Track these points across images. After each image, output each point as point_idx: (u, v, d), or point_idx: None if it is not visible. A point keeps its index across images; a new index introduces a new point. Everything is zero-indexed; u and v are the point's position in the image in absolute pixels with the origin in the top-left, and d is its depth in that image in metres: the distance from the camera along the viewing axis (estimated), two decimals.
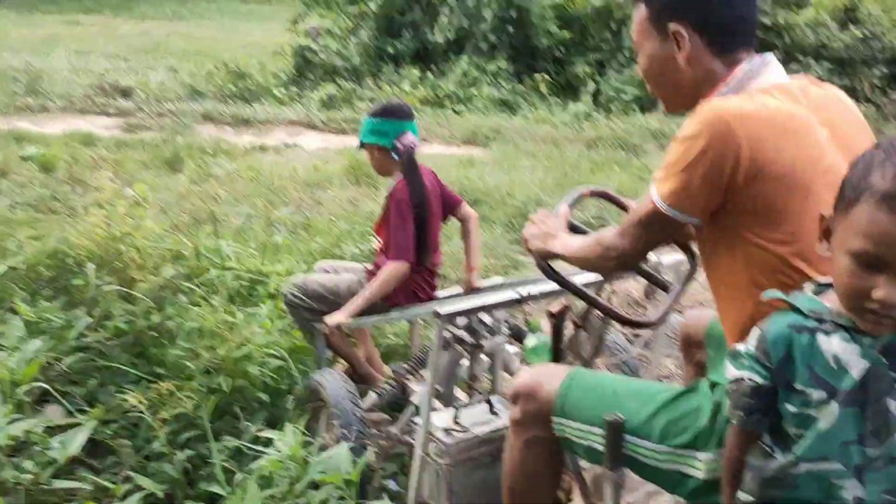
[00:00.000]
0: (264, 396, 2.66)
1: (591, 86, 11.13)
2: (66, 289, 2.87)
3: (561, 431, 1.72)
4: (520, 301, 2.19)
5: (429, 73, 11.02)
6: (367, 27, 11.91)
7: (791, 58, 10.66)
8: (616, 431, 1.59)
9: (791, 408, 1.25)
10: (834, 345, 1.22)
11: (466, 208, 3.13)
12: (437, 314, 2.05)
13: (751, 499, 1.31)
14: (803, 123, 1.49)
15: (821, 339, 1.23)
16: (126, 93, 9.13)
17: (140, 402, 2.28)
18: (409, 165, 2.86)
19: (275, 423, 2.53)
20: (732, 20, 1.62)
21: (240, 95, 9.77)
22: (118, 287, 2.77)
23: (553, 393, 1.72)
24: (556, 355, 2.06)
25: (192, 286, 3.04)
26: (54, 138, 6.90)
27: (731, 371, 1.31)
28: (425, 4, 11.71)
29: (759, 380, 1.27)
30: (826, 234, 1.25)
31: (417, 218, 2.81)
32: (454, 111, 10.02)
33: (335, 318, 2.68)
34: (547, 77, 11.04)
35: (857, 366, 1.21)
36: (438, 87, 10.61)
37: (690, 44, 1.62)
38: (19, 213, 4.86)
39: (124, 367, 2.54)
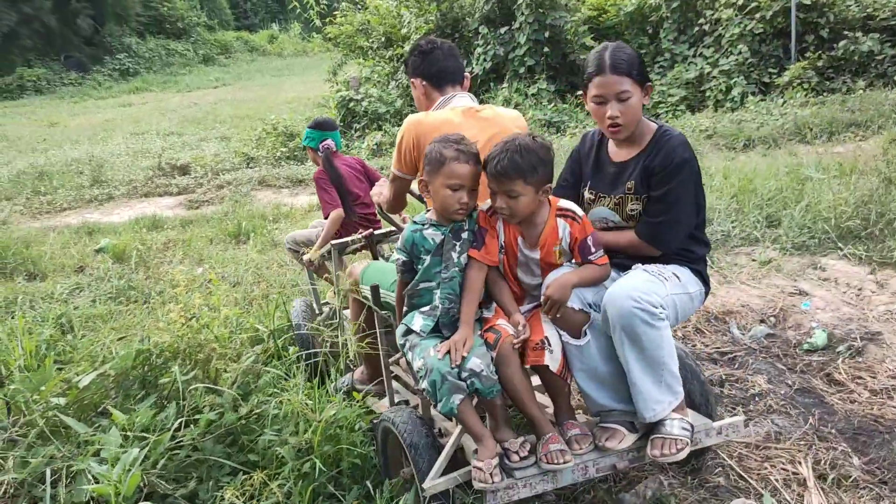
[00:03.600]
0: (357, 465, 2.69)
1: None
2: (155, 386, 2.96)
3: (362, 292, 3.09)
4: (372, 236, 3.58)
5: None
6: (403, 70, 12.06)
7: (839, 35, 10.39)
8: (376, 290, 2.92)
9: (418, 265, 2.55)
10: (429, 232, 2.53)
11: (383, 181, 3.93)
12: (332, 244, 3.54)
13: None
14: (456, 125, 2.71)
15: (425, 231, 2.54)
16: (184, 170, 9.43)
17: (237, 498, 2.33)
18: (326, 159, 4.46)
19: (370, 497, 2.55)
20: (439, 71, 2.96)
21: (291, 155, 9.99)
22: (203, 383, 2.84)
23: (357, 274, 3.17)
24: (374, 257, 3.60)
25: (273, 368, 3.10)
26: (123, 226, 7.16)
27: (395, 256, 2.66)
28: (459, 39, 11.81)
29: (404, 257, 2.58)
30: (426, 186, 2.53)
31: (337, 188, 4.36)
32: None
33: (307, 255, 4.12)
34: None
35: (437, 238, 2.52)
36: None
37: (424, 87, 3.00)
38: (100, 307, 5.05)
39: (219, 461, 2.60)
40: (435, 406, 2.37)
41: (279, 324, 3.73)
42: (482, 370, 2.34)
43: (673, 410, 2.41)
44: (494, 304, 2.56)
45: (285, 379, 3.05)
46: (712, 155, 8.35)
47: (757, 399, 3.48)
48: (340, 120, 11.18)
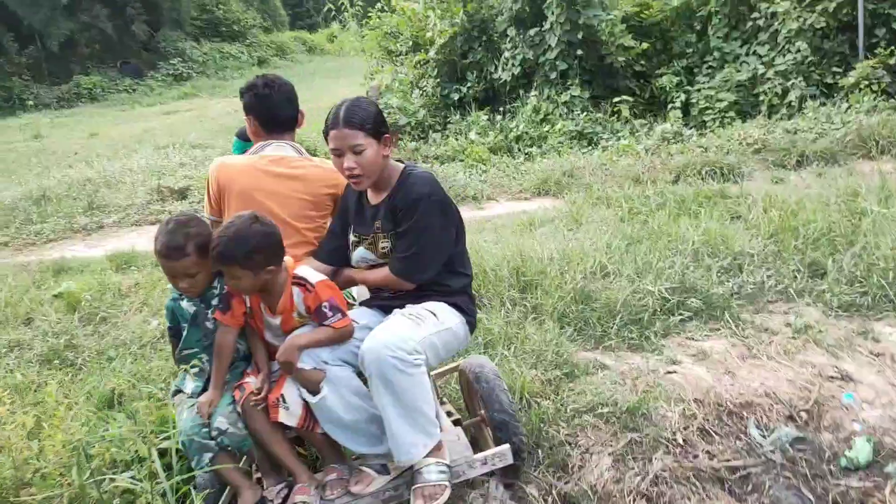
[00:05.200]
0: None
1: (681, 98, 9.95)
2: None
3: None
4: None
5: (497, 117, 10.20)
6: (429, 76, 11.25)
7: None
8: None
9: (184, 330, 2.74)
10: (184, 304, 2.71)
11: None
12: None
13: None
14: (254, 175, 2.90)
15: (181, 303, 2.71)
16: (182, 193, 8.84)
17: None
18: None
19: None
20: (270, 116, 3.05)
21: None
22: None
23: None
24: None
25: None
26: (94, 264, 6.59)
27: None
28: (486, 42, 10.93)
29: (169, 324, 2.80)
30: None
31: None
32: (527, 155, 9.14)
33: None
34: (628, 98, 9.96)
35: (192, 309, 2.70)
36: (509, 129, 9.76)
37: (254, 125, 3.08)
38: (22, 375, 4.42)
39: None
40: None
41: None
42: (227, 427, 2.58)
43: (429, 453, 2.57)
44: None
45: None
46: (758, 175, 7.29)
47: None
48: None
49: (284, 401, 2.61)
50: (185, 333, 2.74)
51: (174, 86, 29.05)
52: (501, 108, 10.41)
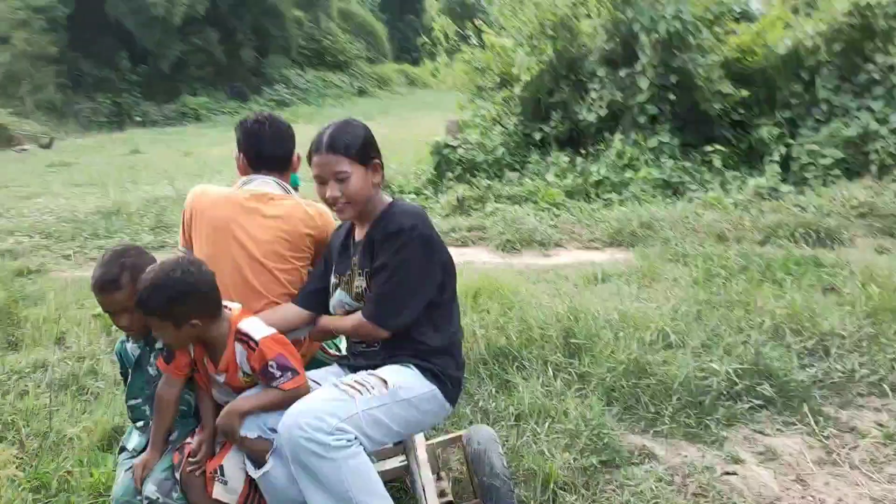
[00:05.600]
0: None
1: (781, 151, 9.20)
2: None
3: None
4: None
5: (578, 159, 9.68)
6: (512, 113, 10.87)
7: None
8: None
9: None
10: (129, 346, 2.48)
11: None
12: None
13: None
14: (229, 207, 2.63)
15: (127, 345, 2.49)
16: None
17: None
18: None
19: None
20: (257, 155, 2.78)
21: None
22: None
23: None
24: None
25: None
26: None
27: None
28: (574, 82, 10.47)
29: (120, 368, 2.57)
30: None
31: None
32: (605, 201, 8.58)
33: None
34: (722, 148, 9.28)
35: (136, 352, 2.46)
36: (589, 172, 9.23)
37: (243, 162, 2.81)
38: (37, 401, 4.20)
39: None
40: None
41: None
42: (157, 497, 2.27)
43: None
44: None
45: None
46: (860, 243, 6.52)
47: None
48: (434, 168, 10.14)
49: (223, 473, 2.29)
50: (129, 381, 2.49)
51: (275, 111, 29.77)
52: (584, 151, 9.89)
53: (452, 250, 7.03)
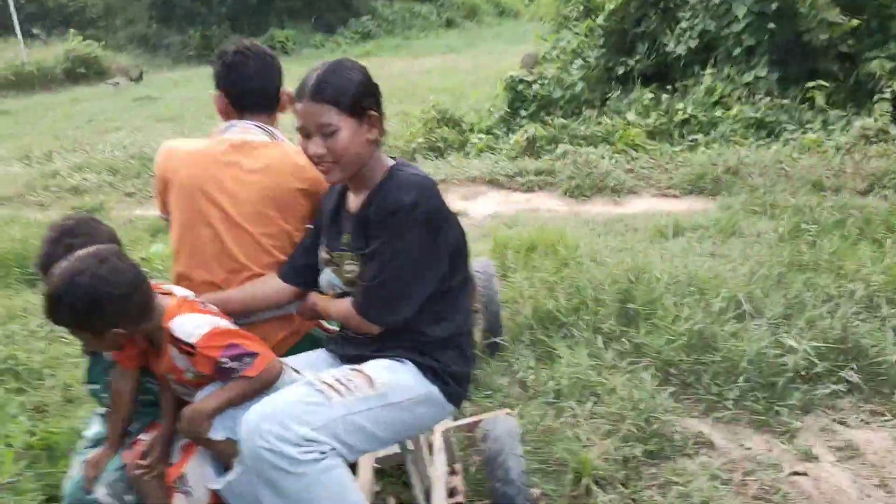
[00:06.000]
0: None
1: (894, 88, 8.20)
2: None
3: None
4: None
5: (664, 96, 8.93)
6: (595, 46, 10.12)
7: None
8: None
9: None
10: None
11: None
12: None
13: None
14: (204, 163, 2.27)
15: None
16: None
17: None
18: None
19: None
20: (241, 92, 2.35)
21: (432, 146, 8.58)
22: None
23: None
24: None
25: None
26: None
27: None
28: (662, 10, 9.61)
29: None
30: None
31: None
32: (690, 143, 7.88)
33: None
34: (825, 83, 8.34)
35: None
36: (675, 111, 8.49)
37: (223, 102, 2.38)
38: (51, 348, 4.07)
39: None
40: None
41: None
42: (109, 502, 2.01)
43: None
44: None
45: None
46: None
47: None
48: (508, 106, 9.57)
49: (185, 482, 1.96)
50: (87, 364, 2.25)
51: (360, 43, 29.32)
52: (670, 87, 9.10)
53: (517, 196, 6.62)
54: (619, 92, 9.34)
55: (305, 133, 1.97)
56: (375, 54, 25.52)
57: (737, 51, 8.83)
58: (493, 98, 10.25)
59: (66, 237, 2.03)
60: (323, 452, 1.75)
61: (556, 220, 5.84)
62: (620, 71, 9.70)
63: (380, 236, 1.94)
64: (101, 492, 2.00)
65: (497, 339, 3.65)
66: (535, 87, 9.44)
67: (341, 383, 1.87)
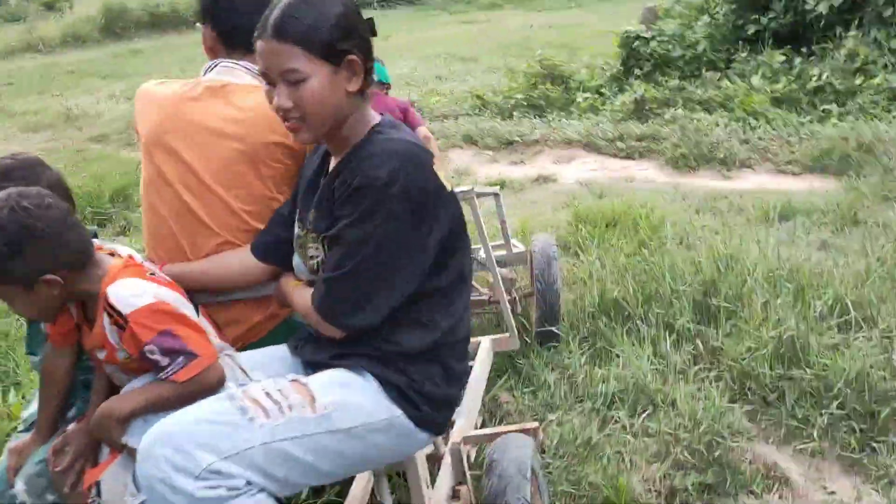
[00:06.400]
0: None
1: None
2: None
3: None
4: None
5: (797, 59, 7.99)
6: (722, 1, 9.19)
7: None
8: None
9: None
10: None
11: (422, 131, 3.62)
12: None
13: None
14: (173, 111, 1.93)
15: None
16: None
17: None
18: None
19: None
20: (233, 28, 1.99)
21: (533, 103, 8.04)
22: None
23: None
24: None
25: None
26: None
27: None
28: None
29: None
30: None
31: None
32: (821, 113, 7.00)
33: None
34: None
35: None
36: (808, 76, 7.58)
37: (210, 38, 2.04)
38: None
39: None
40: None
41: None
42: (25, 499, 1.69)
43: None
44: None
45: None
46: None
47: None
48: (621, 64, 8.87)
49: (98, 493, 1.61)
50: (26, 331, 2.03)
51: None
52: (805, 50, 8.14)
53: (614, 163, 6.06)
54: (745, 53, 8.45)
55: (268, 79, 1.56)
56: (499, 7, 24.78)
57: (888, 11, 7.77)
58: (607, 55, 9.56)
59: (2, 180, 1.74)
60: (235, 488, 1.39)
61: (651, 192, 5.26)
62: (751, 30, 8.76)
63: (344, 217, 1.54)
64: (19, 486, 1.70)
65: (551, 328, 3.20)
66: (653, 44, 8.67)
67: (272, 400, 1.49)
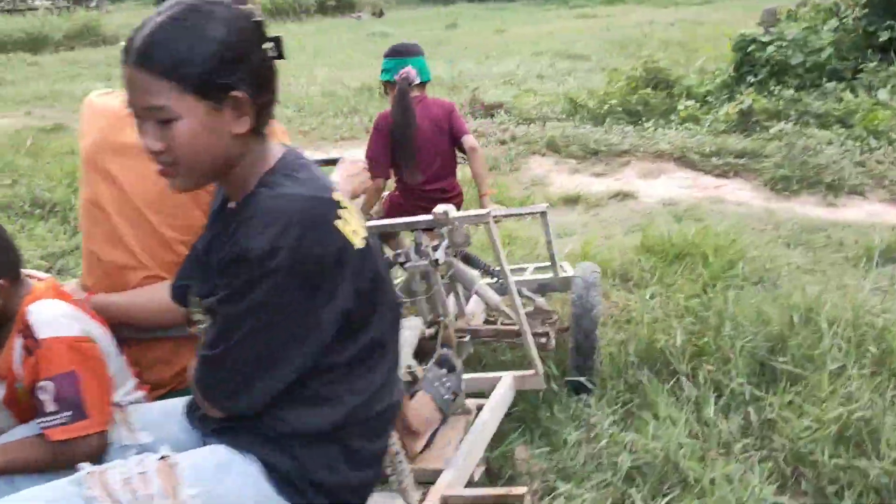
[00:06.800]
0: None
1: None
2: None
3: None
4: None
5: None
6: (856, 4, 8.34)
7: None
8: None
9: None
10: None
11: (469, 140, 3.45)
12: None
13: None
14: (117, 119, 1.73)
15: None
16: (490, 110, 7.75)
17: None
18: (399, 93, 3.31)
19: None
20: None
21: (630, 109, 7.52)
22: None
23: None
24: None
25: None
26: None
27: None
28: None
29: None
30: None
31: (392, 139, 3.31)
32: None
33: None
34: None
35: None
36: None
37: None
38: None
39: None
40: None
41: None
42: None
43: None
44: None
45: None
46: None
47: None
48: (734, 69, 8.21)
49: None
50: None
51: None
52: None
53: (706, 181, 5.54)
54: (875, 63, 7.63)
55: (135, 114, 1.30)
56: (622, 2, 23.91)
57: None
58: (720, 60, 8.90)
59: None
60: None
61: (739, 217, 4.73)
62: (884, 37, 7.91)
63: (220, 288, 1.30)
64: None
65: (580, 379, 2.84)
66: (770, 49, 7.97)
67: (130, 488, 1.26)
